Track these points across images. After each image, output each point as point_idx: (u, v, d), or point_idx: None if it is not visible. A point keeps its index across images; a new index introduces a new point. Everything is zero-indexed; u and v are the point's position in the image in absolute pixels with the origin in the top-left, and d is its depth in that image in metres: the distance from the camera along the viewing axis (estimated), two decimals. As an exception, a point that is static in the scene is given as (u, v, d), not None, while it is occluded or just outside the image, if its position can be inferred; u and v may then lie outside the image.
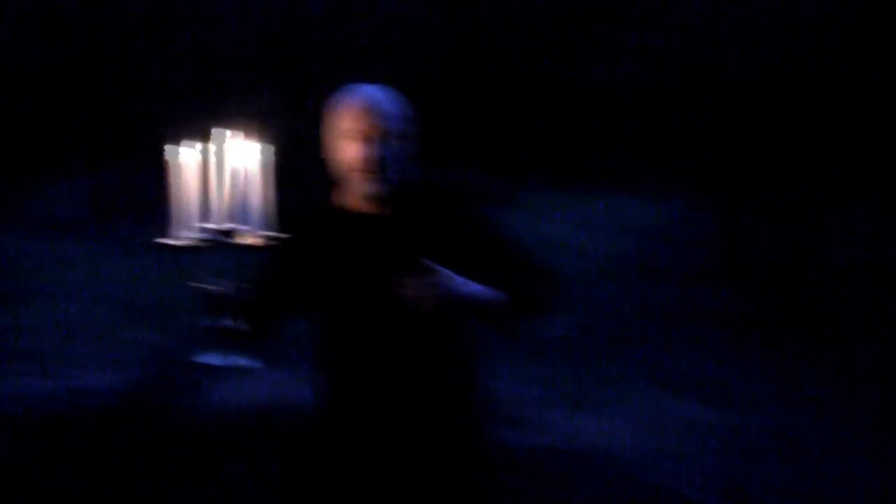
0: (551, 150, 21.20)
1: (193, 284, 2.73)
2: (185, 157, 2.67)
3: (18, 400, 7.53)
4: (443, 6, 19.88)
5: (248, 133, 2.76)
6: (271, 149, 2.78)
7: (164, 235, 2.68)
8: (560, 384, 7.78)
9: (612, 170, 20.49)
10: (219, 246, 2.67)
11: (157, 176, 2.90)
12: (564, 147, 21.36)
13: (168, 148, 2.68)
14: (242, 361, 2.78)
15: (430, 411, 2.97)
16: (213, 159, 2.66)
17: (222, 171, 2.65)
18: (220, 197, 2.65)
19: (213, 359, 2.76)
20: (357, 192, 2.98)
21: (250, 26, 17.47)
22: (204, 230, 2.67)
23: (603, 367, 8.29)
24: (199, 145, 2.69)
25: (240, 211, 2.68)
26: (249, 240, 2.69)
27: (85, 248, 14.26)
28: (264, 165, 2.75)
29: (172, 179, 2.66)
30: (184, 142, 2.69)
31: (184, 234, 2.67)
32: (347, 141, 2.94)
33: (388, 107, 2.96)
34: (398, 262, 2.77)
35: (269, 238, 2.73)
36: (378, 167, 2.92)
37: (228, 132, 2.69)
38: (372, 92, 2.98)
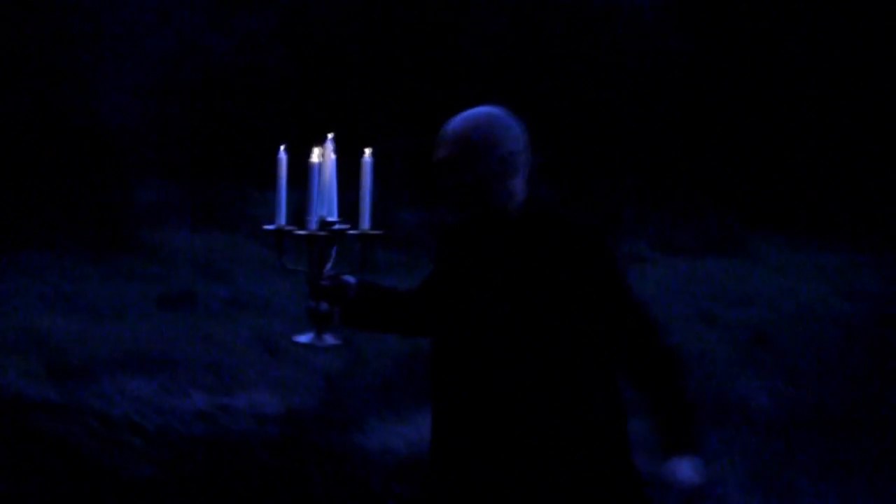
0: (794, 197, 20.22)
1: (291, 268, 2.96)
2: (311, 157, 2.91)
3: (187, 418, 7.35)
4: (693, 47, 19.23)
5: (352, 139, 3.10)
6: (371, 153, 2.92)
7: (273, 225, 2.93)
8: (763, 464, 6.97)
9: (854, 225, 19.33)
10: (317, 236, 2.88)
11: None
12: (807, 195, 20.33)
13: (280, 149, 2.93)
14: (329, 341, 2.98)
15: (535, 450, 2.78)
16: (317, 160, 2.89)
17: (325, 170, 2.89)
18: (322, 193, 2.88)
19: (305, 338, 2.98)
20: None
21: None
22: (307, 222, 2.89)
23: (813, 448, 7.39)
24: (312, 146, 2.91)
25: (337, 206, 2.93)
26: (318, 231, 2.90)
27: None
28: (365, 167, 2.92)
29: (280, 177, 2.93)
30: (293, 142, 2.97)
31: (285, 225, 2.93)
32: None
33: (458, 135, 2.81)
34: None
35: (372, 230, 2.92)
36: (444, 196, 2.84)
37: (331, 135, 2.91)
38: (456, 119, 2.86)
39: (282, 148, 2.94)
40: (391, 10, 17.62)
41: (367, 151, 2.92)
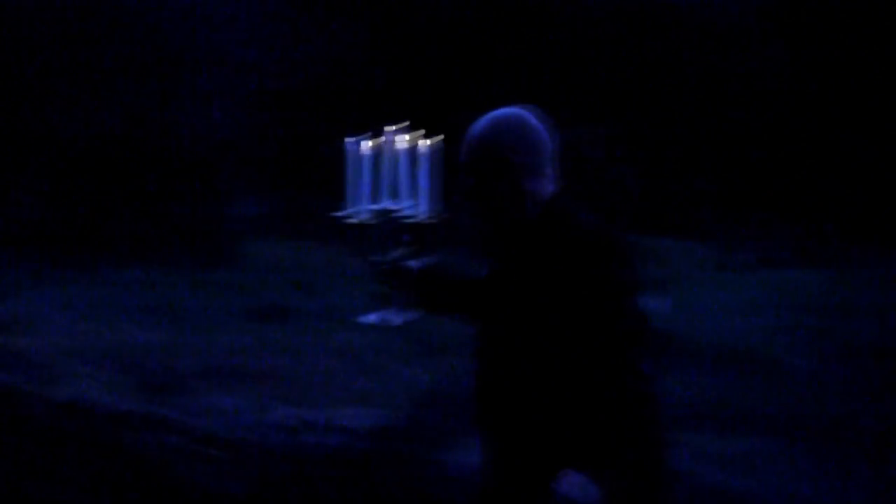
0: (892, 207, 19.62)
1: (363, 255, 3.04)
2: (361, 148, 3.02)
3: (273, 432, 7.25)
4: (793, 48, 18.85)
5: (418, 128, 3.04)
6: (436, 141, 3.01)
7: (341, 213, 3.04)
8: (869, 483, 6.60)
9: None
10: (385, 222, 2.99)
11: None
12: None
13: (347, 140, 3.03)
14: (394, 321, 3.07)
15: (511, 447, 2.81)
16: (387, 149, 3.00)
17: (391, 159, 2.99)
18: (389, 181, 2.98)
19: (372, 318, 3.07)
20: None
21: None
22: (373, 209, 3.00)
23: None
24: (374, 138, 3.02)
25: (406, 193, 3.01)
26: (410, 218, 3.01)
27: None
28: (429, 155, 3.00)
29: (350, 166, 3.02)
30: (361, 135, 3.04)
31: (357, 212, 3.02)
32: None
33: (468, 140, 2.84)
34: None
35: (429, 217, 3.00)
36: (466, 201, 2.85)
37: (397, 126, 3.01)
38: (481, 121, 2.85)
39: (350, 139, 3.04)
40: (478, 17, 17.48)
41: (424, 142, 2.99)
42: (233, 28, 16.14)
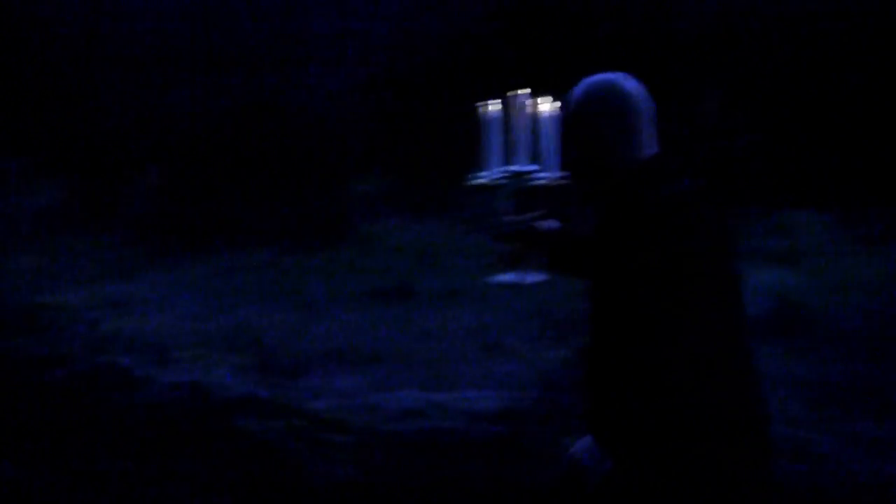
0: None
1: (493, 217, 3.09)
2: (491, 112, 3.10)
3: (395, 416, 7.04)
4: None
5: (545, 92, 3.07)
6: (557, 106, 3.05)
7: (474, 177, 3.11)
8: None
9: None
10: (515, 183, 3.07)
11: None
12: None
13: (479, 104, 3.09)
14: (529, 279, 3.07)
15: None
16: (514, 114, 3.06)
17: (522, 123, 3.05)
18: (520, 144, 3.06)
19: (504, 277, 3.10)
20: None
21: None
22: (506, 171, 3.08)
23: None
24: (502, 102, 3.08)
25: (537, 155, 3.09)
26: (543, 180, 3.09)
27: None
28: (554, 119, 3.06)
29: (482, 131, 3.09)
30: (491, 100, 3.11)
31: (490, 175, 3.10)
32: None
33: (572, 105, 2.92)
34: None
35: (556, 180, 3.07)
36: (565, 167, 2.96)
37: (527, 91, 3.06)
38: (575, 88, 2.93)
39: (483, 104, 3.10)
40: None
41: (547, 107, 3.03)
42: (354, 5, 16.11)
